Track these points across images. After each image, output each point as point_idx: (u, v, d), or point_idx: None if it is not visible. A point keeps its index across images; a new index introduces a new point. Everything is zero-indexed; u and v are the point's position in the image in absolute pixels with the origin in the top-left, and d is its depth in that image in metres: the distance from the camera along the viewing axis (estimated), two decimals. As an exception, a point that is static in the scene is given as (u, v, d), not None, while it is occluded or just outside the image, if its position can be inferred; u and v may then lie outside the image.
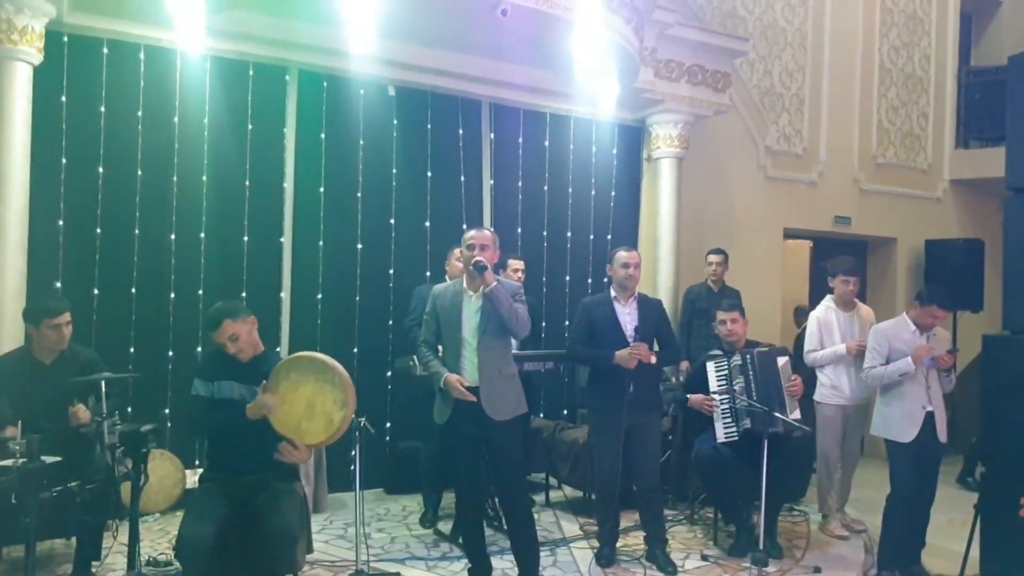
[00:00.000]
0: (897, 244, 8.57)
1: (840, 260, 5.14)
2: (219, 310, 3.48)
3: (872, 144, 8.48)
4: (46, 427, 3.36)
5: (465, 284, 3.76)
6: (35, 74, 4.66)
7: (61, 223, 4.91)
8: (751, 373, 4.40)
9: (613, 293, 4.31)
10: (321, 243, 5.67)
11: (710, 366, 4.54)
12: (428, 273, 5.86)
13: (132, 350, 5.07)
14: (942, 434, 4.31)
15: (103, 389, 3.59)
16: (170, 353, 5.19)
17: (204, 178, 5.31)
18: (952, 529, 4.90)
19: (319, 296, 5.65)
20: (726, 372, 4.49)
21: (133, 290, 5.11)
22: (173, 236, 5.22)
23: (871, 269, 8.71)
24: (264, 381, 3.35)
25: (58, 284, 4.86)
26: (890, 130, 8.64)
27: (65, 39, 4.88)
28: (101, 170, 5.03)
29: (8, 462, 3.18)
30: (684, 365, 5.96)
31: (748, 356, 4.45)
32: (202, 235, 5.31)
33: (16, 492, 3.14)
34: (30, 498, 3.09)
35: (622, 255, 4.29)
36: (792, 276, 8.60)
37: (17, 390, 3.67)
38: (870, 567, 4.46)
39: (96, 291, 4.99)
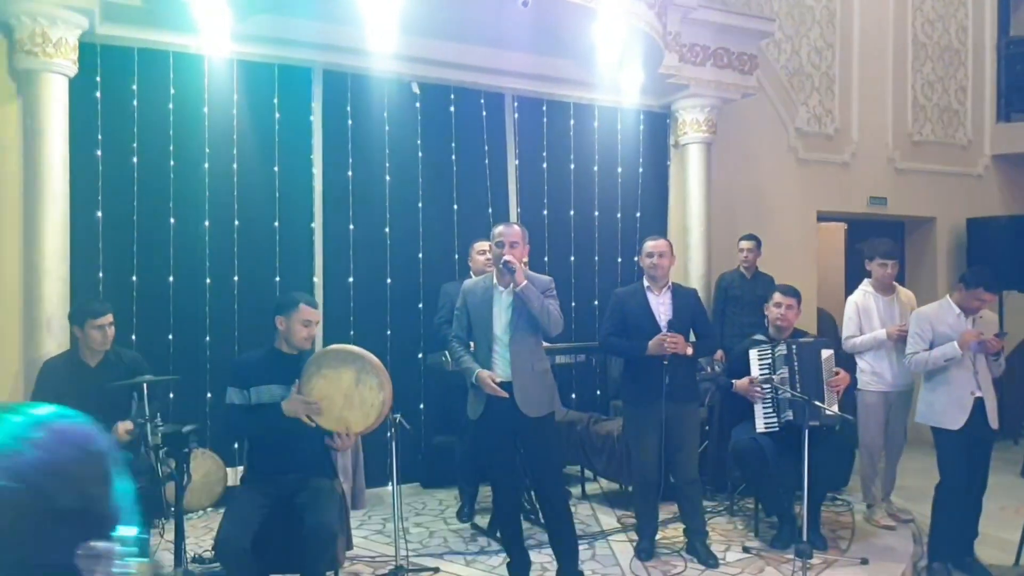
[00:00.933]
0: (936, 224, 8.36)
1: (877, 242, 5.01)
2: (295, 294, 3.60)
3: (907, 121, 8.27)
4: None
5: (495, 280, 3.74)
6: (70, 85, 4.73)
7: (99, 230, 4.99)
8: (795, 363, 4.30)
9: (646, 283, 4.26)
10: (351, 226, 5.69)
11: (753, 353, 4.44)
12: (456, 268, 5.85)
13: (171, 350, 5.14)
14: (993, 420, 4.18)
15: (146, 391, 3.65)
16: (207, 339, 5.26)
17: (235, 179, 5.35)
18: (1006, 517, 4.80)
19: (350, 279, 5.68)
20: (769, 360, 4.40)
21: (171, 293, 5.18)
22: (207, 238, 5.28)
23: (909, 251, 8.51)
24: (297, 380, 3.37)
25: (99, 289, 4.94)
26: (926, 106, 8.42)
27: (98, 49, 4.94)
28: (136, 175, 5.10)
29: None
30: (719, 354, 5.88)
31: (793, 346, 4.35)
32: (235, 236, 5.36)
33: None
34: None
35: (647, 244, 4.27)
36: (827, 260, 8.45)
37: (64, 392, 3.74)
38: (920, 558, 4.37)
39: (135, 293, 5.07)
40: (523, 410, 3.61)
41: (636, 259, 6.51)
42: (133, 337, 4.98)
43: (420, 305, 5.85)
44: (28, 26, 4.49)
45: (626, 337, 4.22)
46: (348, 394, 3.36)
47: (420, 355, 5.77)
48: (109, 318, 3.90)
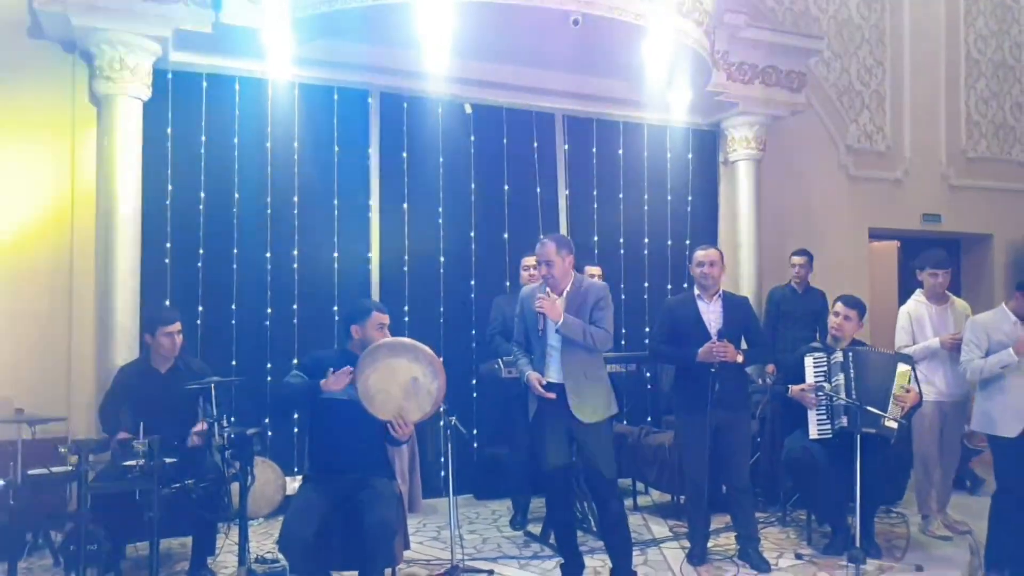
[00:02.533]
0: (993, 240, 8.24)
1: (929, 253, 5.00)
2: (366, 303, 3.88)
3: (961, 138, 8.21)
4: (164, 431, 3.59)
5: (548, 289, 3.84)
6: (144, 109, 5.04)
7: (168, 245, 5.27)
8: (851, 371, 4.29)
9: (697, 292, 4.33)
10: (406, 257, 5.89)
11: (808, 360, 4.44)
12: (507, 283, 5.99)
13: (234, 363, 5.36)
14: (1049, 427, 4.13)
15: (213, 394, 3.84)
16: (268, 366, 5.47)
17: (295, 198, 5.61)
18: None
19: (405, 308, 5.85)
20: (825, 368, 4.40)
21: (233, 307, 5.43)
22: (268, 255, 5.53)
23: (965, 267, 8.39)
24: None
25: (167, 302, 5.19)
26: (981, 123, 8.35)
27: (169, 76, 5.26)
28: (203, 195, 5.38)
29: (132, 462, 3.44)
30: (770, 368, 5.88)
31: (850, 353, 4.35)
32: (295, 252, 5.60)
33: (139, 488, 3.39)
34: (152, 494, 3.33)
35: (698, 253, 4.34)
36: (879, 280, 8.36)
37: (137, 397, 3.98)
38: (976, 568, 4.29)
39: (200, 308, 5.32)
40: (576, 414, 3.69)
41: (684, 285, 6.61)
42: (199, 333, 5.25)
43: (472, 331, 5.99)
44: (108, 53, 4.81)
45: (676, 345, 4.28)
46: (403, 384, 3.50)
47: (474, 372, 5.91)
48: (178, 326, 4.12)
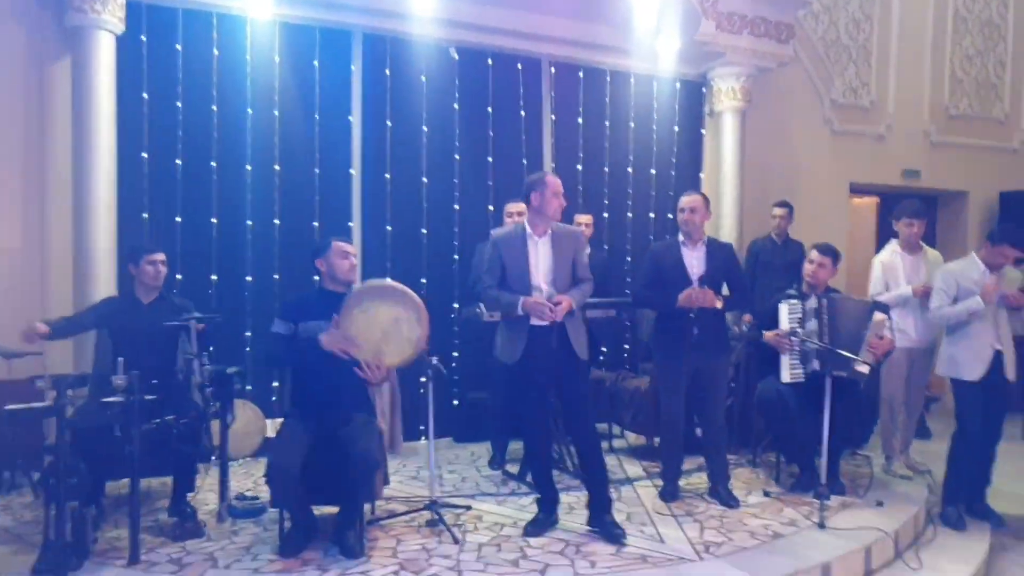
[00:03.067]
0: (969, 197, 8.34)
1: (905, 203, 5.08)
2: (324, 237, 3.86)
3: (944, 95, 8.24)
4: (144, 362, 3.61)
5: (529, 229, 3.84)
6: (117, 43, 4.94)
7: (145, 173, 5.20)
8: (824, 317, 4.37)
9: (681, 238, 4.36)
10: (389, 203, 5.86)
11: (783, 307, 4.51)
12: (491, 230, 5.97)
13: (213, 292, 5.38)
14: (1010, 372, 4.28)
15: (193, 332, 3.86)
16: (246, 294, 5.47)
17: (275, 139, 5.54)
18: (1021, 475, 4.86)
19: (388, 253, 5.86)
20: (799, 314, 4.48)
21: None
22: (249, 196, 5.47)
23: (941, 223, 8.49)
24: (336, 315, 3.54)
25: (144, 233, 5.16)
26: (964, 80, 8.37)
27: (144, 9, 5.14)
28: (180, 124, 5.30)
29: (112, 399, 3.47)
30: (747, 318, 5.95)
31: (824, 300, 4.43)
32: (276, 222, 5.54)
33: (120, 424, 3.42)
34: (132, 429, 3.37)
35: (682, 199, 4.38)
36: (859, 236, 8.44)
37: (119, 326, 4.03)
38: (933, 505, 4.47)
39: (179, 248, 5.28)
40: (576, 349, 3.78)
41: (670, 216, 6.66)
42: (178, 276, 5.23)
43: (455, 256, 6.03)
44: (78, -16, 4.67)
45: (660, 290, 4.31)
46: (386, 328, 3.53)
47: (455, 306, 5.96)
48: (162, 256, 4.15)
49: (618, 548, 3.61)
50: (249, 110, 5.47)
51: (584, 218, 5.59)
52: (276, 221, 5.56)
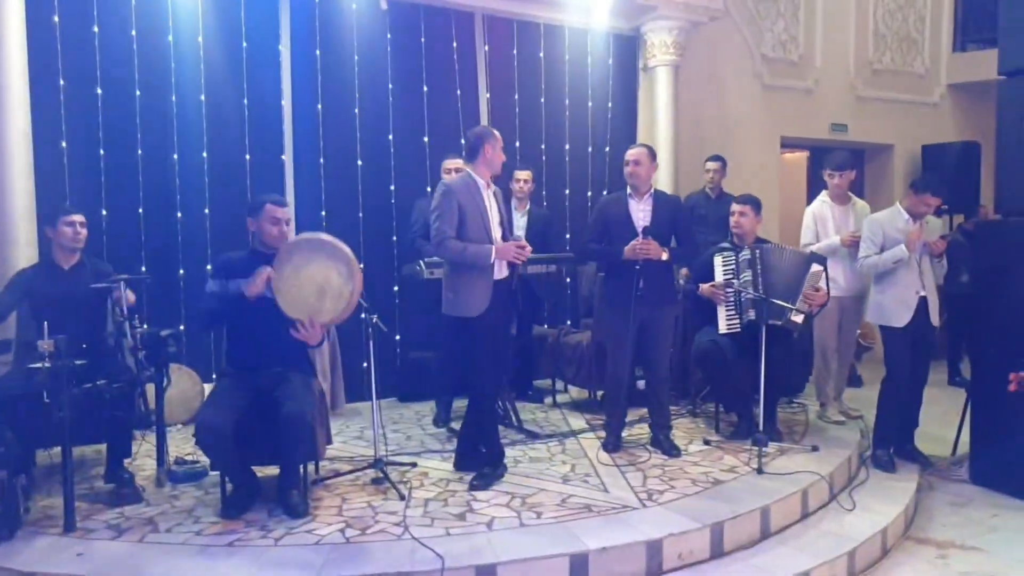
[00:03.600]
0: (894, 150, 8.61)
1: (832, 155, 5.22)
2: (262, 196, 3.74)
3: (868, 50, 8.43)
4: (71, 328, 3.46)
5: (481, 180, 3.88)
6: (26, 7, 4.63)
7: (64, 145, 4.94)
8: (758, 267, 4.49)
9: (628, 191, 4.36)
10: (322, 160, 5.72)
11: (717, 259, 4.62)
12: (428, 187, 5.92)
13: (144, 268, 5.16)
14: (935, 317, 4.47)
15: (123, 294, 3.71)
16: (180, 272, 5.30)
17: (202, 97, 5.33)
18: (946, 419, 5.12)
19: (323, 212, 5.72)
20: (733, 265, 4.59)
21: (140, 210, 5.18)
22: (176, 156, 5.27)
23: (868, 176, 8.76)
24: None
25: (67, 203, 4.92)
26: (887, 35, 8.57)
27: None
28: (99, 91, 5.05)
29: (38, 364, 3.32)
30: (684, 272, 6.05)
31: (757, 251, 4.54)
32: (204, 155, 5.35)
33: (48, 389, 3.28)
34: (61, 394, 3.24)
35: (628, 152, 4.37)
36: (790, 190, 8.66)
37: (39, 296, 3.82)
38: (865, 448, 4.67)
39: (104, 211, 5.06)
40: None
41: (607, 172, 6.70)
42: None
43: (394, 238, 5.94)
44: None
45: (608, 243, 4.31)
46: (318, 281, 3.44)
47: (396, 277, 5.89)
48: (81, 217, 3.96)
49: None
50: (170, 38, 5.21)
51: (523, 174, 5.58)
52: (204, 154, 5.35)
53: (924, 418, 4.75)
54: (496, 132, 3.94)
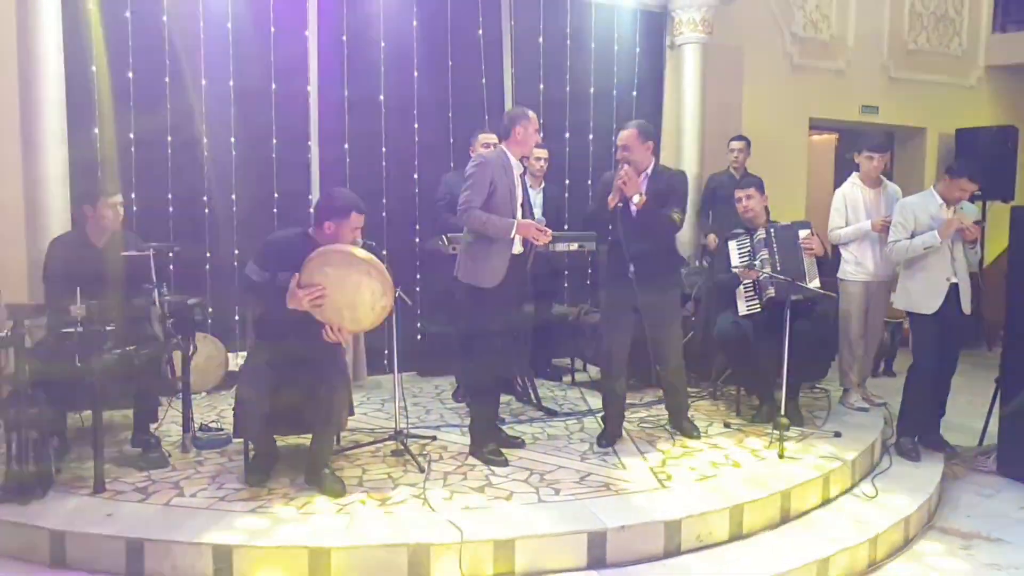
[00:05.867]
0: (926, 134, 8.44)
1: (868, 136, 5.13)
2: (348, 199, 3.59)
3: (904, 29, 8.25)
4: (104, 303, 3.50)
5: (513, 159, 3.91)
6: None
7: (96, 131, 4.98)
8: (774, 246, 4.47)
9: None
10: (347, 132, 5.71)
11: (732, 244, 4.61)
12: (451, 163, 5.92)
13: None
14: (966, 306, 4.40)
15: (152, 263, 3.75)
16: (207, 244, 5.34)
17: (231, 83, 5.36)
18: (973, 408, 5.07)
19: (346, 174, 5.72)
20: (748, 248, 4.56)
21: (169, 194, 5.22)
22: (205, 140, 5.30)
23: (899, 160, 8.60)
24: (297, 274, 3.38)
25: (98, 174, 4.96)
26: (923, 15, 8.38)
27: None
28: (131, 75, 5.09)
29: (70, 329, 3.38)
30: (711, 237, 5.92)
31: (771, 230, 4.52)
32: (232, 140, 5.38)
33: (79, 353, 3.34)
34: (93, 358, 3.29)
35: (618, 136, 4.23)
36: (817, 173, 8.54)
37: (73, 271, 3.78)
38: (889, 436, 4.63)
39: (133, 194, 5.08)
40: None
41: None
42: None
43: (416, 200, 5.93)
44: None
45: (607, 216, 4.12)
46: (352, 295, 3.40)
47: (416, 240, 5.91)
48: (120, 198, 3.98)
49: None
50: (201, 23, 5.23)
51: (541, 152, 5.53)
52: (232, 139, 5.38)
53: (951, 407, 4.70)
54: (531, 113, 3.93)
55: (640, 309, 4.05)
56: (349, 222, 3.51)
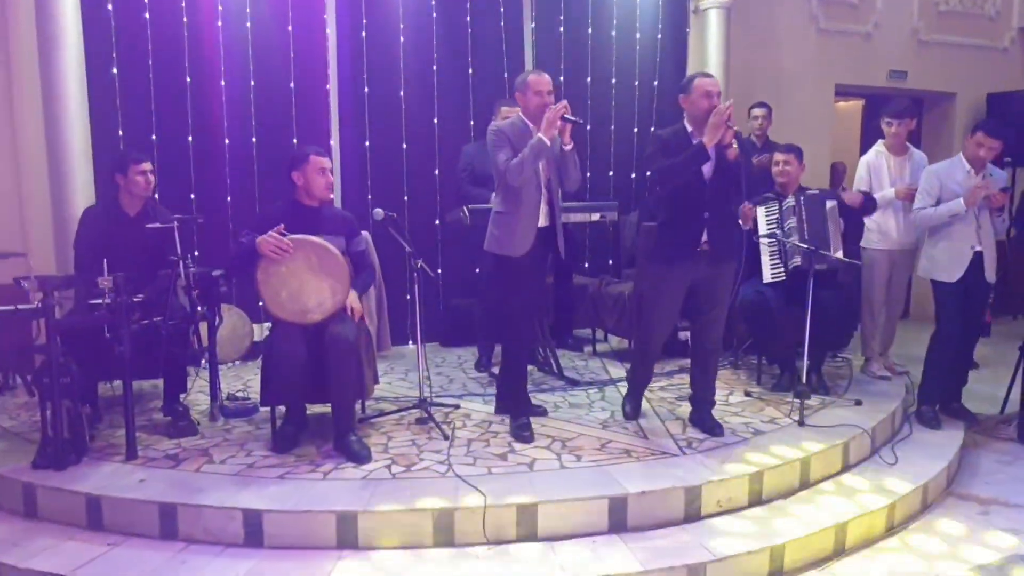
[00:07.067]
0: (956, 100, 8.25)
1: (893, 102, 5.03)
2: (303, 148, 3.80)
3: (935, -11, 8.03)
4: (131, 271, 3.56)
5: (531, 124, 3.73)
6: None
7: (121, 133, 5.07)
8: (803, 213, 4.45)
9: (689, 128, 3.75)
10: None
11: (760, 209, 4.57)
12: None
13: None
14: (990, 274, 4.35)
15: (176, 235, 3.81)
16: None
17: (252, 82, 5.40)
18: (996, 377, 5.02)
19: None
20: (777, 215, 4.53)
21: (192, 195, 5.31)
22: (226, 140, 5.36)
23: (926, 127, 8.42)
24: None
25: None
26: (956, -27, 8.15)
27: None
28: (151, 76, 5.14)
29: (98, 300, 3.45)
30: (747, 206, 5.83)
31: (801, 198, 4.50)
32: (253, 139, 5.44)
33: (108, 325, 3.42)
34: (122, 329, 3.37)
35: (704, 81, 3.70)
36: (843, 140, 8.40)
37: (106, 241, 3.87)
38: (910, 405, 4.62)
39: (156, 196, 5.13)
40: (561, 252, 3.89)
41: (652, 128, 6.56)
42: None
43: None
44: None
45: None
46: (295, 287, 3.57)
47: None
48: (150, 165, 4.03)
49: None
50: (219, 23, 5.27)
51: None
52: (253, 139, 5.45)
53: (973, 376, 4.67)
54: (532, 76, 3.74)
55: (697, 284, 3.80)
56: (309, 165, 3.70)
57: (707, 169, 3.67)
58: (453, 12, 5.93)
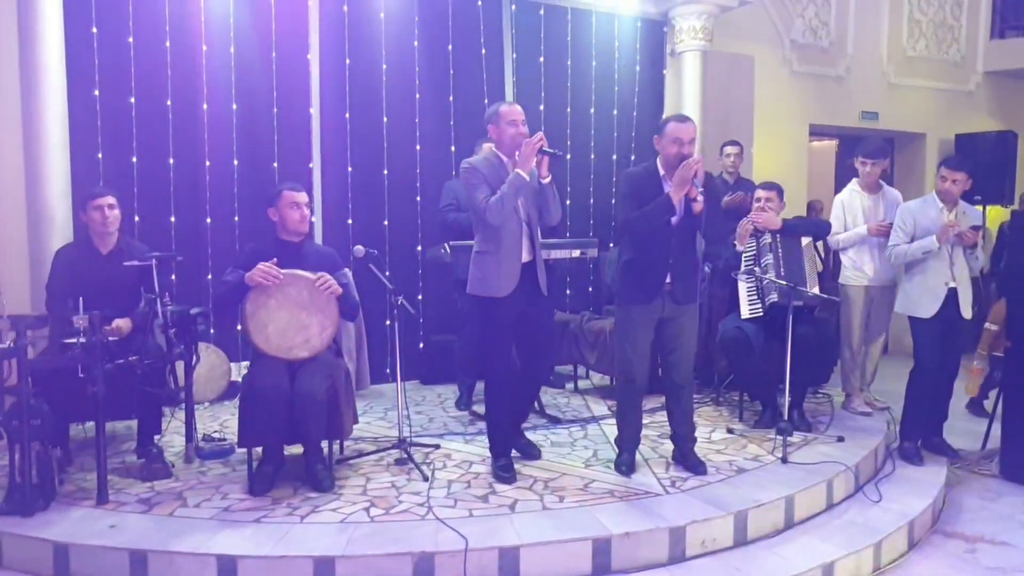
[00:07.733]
0: (926, 139, 8.47)
1: (866, 142, 5.14)
2: (277, 186, 3.87)
3: (902, 36, 8.30)
4: (106, 310, 3.51)
5: (505, 159, 3.72)
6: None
7: (100, 156, 5.03)
8: (779, 251, 4.51)
9: (662, 172, 3.77)
10: (349, 168, 5.75)
11: (738, 247, 4.64)
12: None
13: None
14: (965, 310, 4.40)
15: (154, 273, 3.76)
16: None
17: (234, 106, 5.38)
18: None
19: (349, 222, 5.76)
20: (754, 252, 4.58)
21: (172, 218, 5.26)
22: (207, 163, 5.33)
23: (899, 166, 8.63)
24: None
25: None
26: (921, 21, 8.43)
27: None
28: (133, 100, 5.12)
29: (72, 339, 3.39)
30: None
31: (778, 235, 4.55)
32: (235, 163, 5.41)
33: (82, 364, 3.34)
34: (95, 369, 3.29)
35: (677, 127, 3.74)
36: (818, 178, 8.56)
37: (78, 280, 3.81)
38: (892, 440, 4.63)
39: (136, 218, 5.13)
40: (543, 289, 3.81)
41: (632, 157, 6.64)
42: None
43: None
44: None
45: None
46: (283, 323, 3.60)
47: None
48: (110, 199, 3.96)
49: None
50: (204, 47, 5.27)
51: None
52: (235, 162, 5.42)
53: (953, 411, 4.70)
54: (504, 107, 3.72)
55: (663, 325, 3.82)
56: (282, 200, 3.76)
57: (674, 218, 3.70)
58: (435, 41, 5.99)
